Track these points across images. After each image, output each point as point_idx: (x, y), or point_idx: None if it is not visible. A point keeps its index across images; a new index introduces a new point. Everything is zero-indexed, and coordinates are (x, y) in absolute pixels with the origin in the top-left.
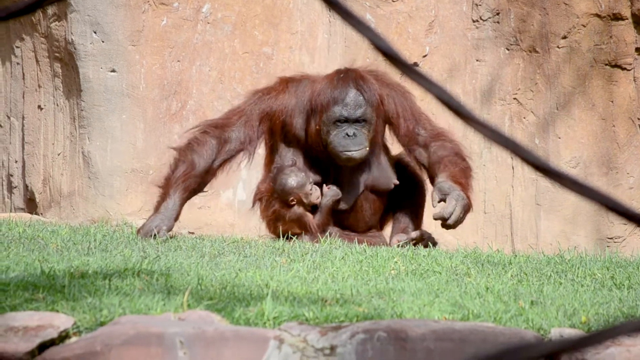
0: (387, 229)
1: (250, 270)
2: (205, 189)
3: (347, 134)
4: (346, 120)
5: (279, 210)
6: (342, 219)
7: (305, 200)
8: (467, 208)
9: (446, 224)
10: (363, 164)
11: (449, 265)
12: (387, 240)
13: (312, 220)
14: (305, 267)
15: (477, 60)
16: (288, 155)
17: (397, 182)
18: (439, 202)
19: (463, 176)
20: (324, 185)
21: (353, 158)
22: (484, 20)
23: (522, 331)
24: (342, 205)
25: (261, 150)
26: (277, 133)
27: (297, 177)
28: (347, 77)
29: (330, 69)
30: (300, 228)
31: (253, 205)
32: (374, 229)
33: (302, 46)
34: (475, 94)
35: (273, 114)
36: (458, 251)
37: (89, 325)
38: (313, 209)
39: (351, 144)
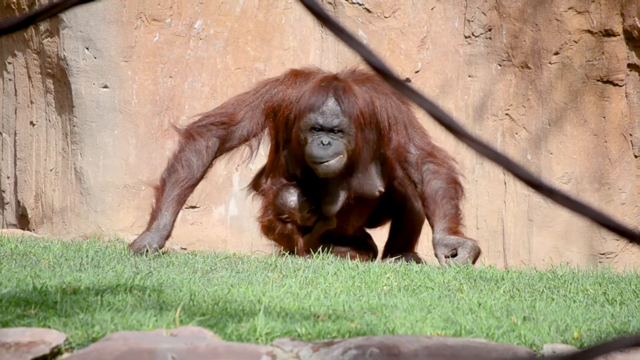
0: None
1: (243, 286)
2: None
3: (322, 142)
4: (321, 129)
5: (273, 221)
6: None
7: (299, 222)
8: (478, 255)
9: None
10: (349, 171)
11: (441, 281)
12: (373, 248)
13: (300, 241)
14: (297, 283)
15: (469, 76)
16: (288, 163)
17: (383, 190)
18: (448, 256)
19: (457, 219)
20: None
21: (327, 172)
22: (476, 37)
23: (514, 347)
24: (329, 211)
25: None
26: (281, 129)
27: (298, 199)
28: (329, 85)
29: None
30: (286, 246)
31: (250, 193)
32: (361, 228)
33: (294, 62)
34: (468, 109)
35: (278, 108)
36: (450, 267)
37: (81, 342)
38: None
39: (325, 153)
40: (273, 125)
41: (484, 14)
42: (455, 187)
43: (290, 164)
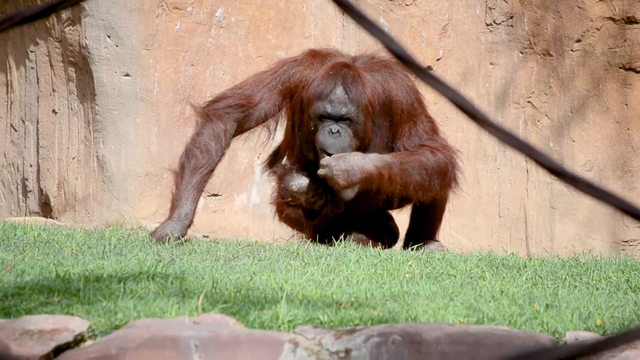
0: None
1: (265, 273)
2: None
3: (331, 131)
4: (330, 117)
5: (282, 203)
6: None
7: (305, 205)
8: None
9: None
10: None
11: (463, 268)
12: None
13: (309, 224)
14: (319, 271)
15: (490, 64)
16: (302, 145)
17: None
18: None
19: (399, 169)
20: (326, 197)
21: None
22: (497, 24)
23: (537, 334)
24: (345, 195)
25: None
26: (297, 110)
27: (301, 183)
28: (338, 73)
29: None
30: (296, 229)
31: (265, 171)
32: (381, 210)
33: None
34: (489, 97)
35: (295, 89)
36: (473, 254)
37: (104, 329)
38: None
39: (334, 143)
40: (289, 106)
41: (506, 2)
42: (438, 169)
43: (304, 146)
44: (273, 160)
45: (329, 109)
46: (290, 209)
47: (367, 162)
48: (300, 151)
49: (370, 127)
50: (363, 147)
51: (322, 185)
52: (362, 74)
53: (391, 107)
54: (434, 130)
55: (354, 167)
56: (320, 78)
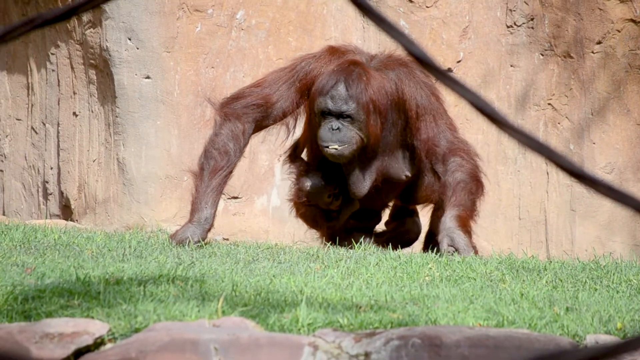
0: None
1: (285, 276)
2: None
3: (331, 127)
4: (330, 114)
5: (297, 202)
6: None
7: (321, 206)
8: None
9: None
10: (372, 155)
11: (483, 271)
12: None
13: (325, 224)
14: (339, 274)
15: (511, 66)
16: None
17: (409, 175)
18: (448, 246)
19: (471, 213)
20: (342, 198)
21: (333, 155)
22: (518, 26)
23: (557, 338)
24: (356, 193)
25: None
26: (314, 107)
27: (316, 183)
28: (343, 70)
29: None
30: (311, 227)
31: (285, 164)
32: (403, 208)
33: None
34: (510, 99)
35: (312, 85)
36: (493, 257)
37: (124, 332)
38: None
39: (333, 138)
40: (307, 102)
41: (526, 4)
42: (476, 185)
43: (316, 143)
44: (293, 154)
45: (329, 104)
46: (306, 208)
47: (463, 237)
48: (316, 148)
49: (376, 126)
50: (370, 146)
51: (337, 186)
52: (369, 71)
53: (405, 105)
54: (453, 128)
55: (467, 247)
56: (326, 74)
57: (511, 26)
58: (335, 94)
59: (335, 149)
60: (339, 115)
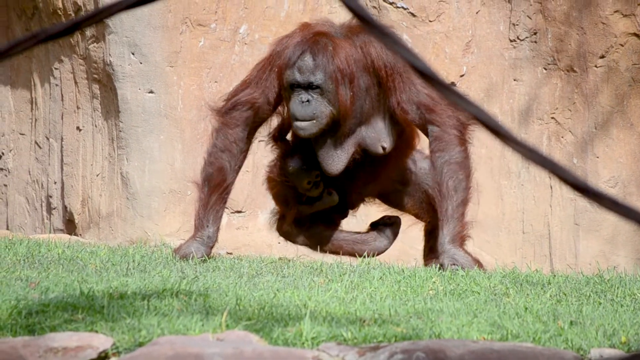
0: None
1: (289, 290)
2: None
3: (301, 100)
4: (299, 86)
5: (276, 180)
6: (342, 186)
7: (299, 190)
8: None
9: None
10: (346, 126)
11: (487, 285)
12: (382, 240)
13: (295, 207)
14: (343, 287)
15: (514, 80)
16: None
17: (386, 147)
18: (451, 265)
19: (465, 224)
20: (323, 186)
21: (306, 133)
22: (521, 40)
23: (561, 351)
24: (330, 170)
25: None
26: (282, 82)
27: (296, 167)
28: (308, 41)
29: None
30: (279, 206)
31: (269, 143)
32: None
33: None
34: (513, 113)
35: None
36: (496, 271)
37: (128, 346)
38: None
39: (302, 110)
40: (277, 78)
41: (529, 18)
42: (464, 170)
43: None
44: (277, 134)
45: (297, 76)
46: (281, 186)
47: (464, 255)
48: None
49: (346, 95)
50: (341, 118)
51: (320, 174)
52: (335, 40)
53: (374, 67)
54: (421, 87)
55: (471, 263)
56: (292, 46)
57: (514, 40)
58: (302, 65)
59: (304, 127)
60: (308, 87)
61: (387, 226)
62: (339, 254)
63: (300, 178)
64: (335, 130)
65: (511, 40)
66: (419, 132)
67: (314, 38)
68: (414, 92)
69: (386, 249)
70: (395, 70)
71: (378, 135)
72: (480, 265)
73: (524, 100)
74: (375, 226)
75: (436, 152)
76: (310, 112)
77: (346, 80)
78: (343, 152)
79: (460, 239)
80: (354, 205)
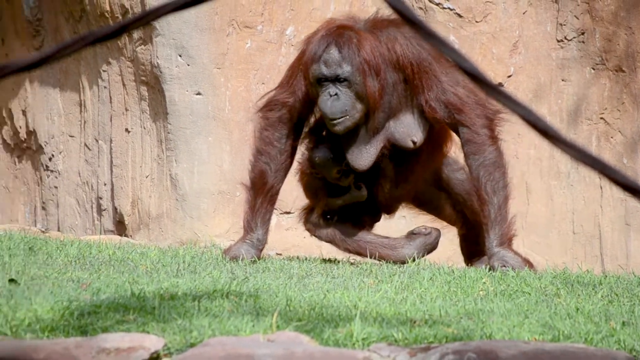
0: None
1: (339, 291)
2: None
3: (329, 94)
4: (326, 79)
5: (305, 172)
6: (373, 183)
7: (329, 180)
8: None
9: None
10: (379, 124)
11: (538, 285)
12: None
13: (323, 200)
14: (393, 288)
15: (562, 80)
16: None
17: (416, 141)
18: (501, 267)
19: (511, 224)
20: (353, 177)
21: (339, 129)
22: (568, 40)
23: (613, 352)
24: (358, 165)
25: None
26: (309, 77)
27: (324, 157)
28: (332, 34)
29: None
30: (309, 198)
31: (305, 135)
32: (407, 204)
33: None
34: (562, 114)
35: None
36: (547, 272)
37: (179, 347)
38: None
39: (332, 106)
40: (303, 74)
41: (577, 18)
42: (500, 170)
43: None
44: (311, 129)
45: (324, 70)
46: (311, 178)
47: (514, 257)
48: (312, 115)
49: (376, 87)
50: (371, 111)
51: (348, 164)
52: (360, 33)
53: (400, 64)
54: (457, 82)
55: (521, 264)
56: (316, 40)
57: (562, 40)
58: (328, 58)
59: (337, 121)
60: (335, 80)
61: (419, 235)
62: (363, 255)
63: (329, 167)
64: (364, 124)
65: (559, 41)
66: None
67: (338, 31)
68: (440, 90)
69: (410, 258)
70: (422, 67)
71: (407, 130)
72: (530, 265)
73: (573, 101)
74: (410, 234)
75: (470, 155)
76: (341, 107)
77: (373, 72)
78: (372, 147)
79: (508, 240)
80: (389, 209)
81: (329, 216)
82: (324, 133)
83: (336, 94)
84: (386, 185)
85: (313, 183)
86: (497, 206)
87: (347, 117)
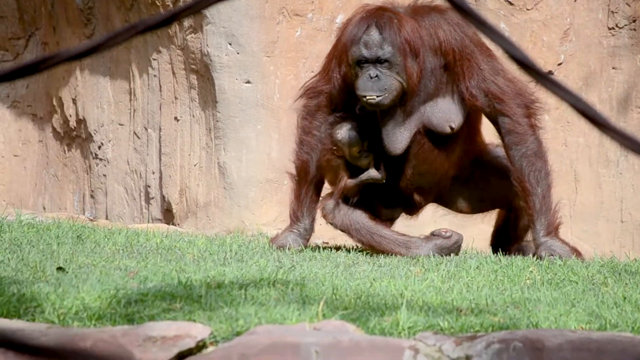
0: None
1: (385, 279)
2: None
3: (369, 76)
4: (367, 61)
5: (327, 151)
6: (395, 171)
7: (348, 159)
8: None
9: None
10: (411, 103)
11: (585, 274)
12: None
13: (344, 179)
14: (439, 277)
15: (613, 68)
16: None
17: (454, 127)
18: (549, 256)
19: (556, 213)
20: (377, 162)
21: (372, 104)
22: (620, 28)
23: None
24: (391, 149)
25: None
26: (347, 59)
27: (348, 135)
28: (371, 15)
29: None
30: (331, 178)
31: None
32: (443, 195)
33: None
34: (612, 102)
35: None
36: (594, 260)
37: (226, 335)
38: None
39: (372, 86)
40: (338, 55)
41: (628, 5)
42: (541, 160)
43: (352, 98)
44: (339, 110)
45: (364, 52)
46: (332, 156)
47: (561, 246)
48: (352, 99)
49: (415, 69)
50: (409, 92)
51: (370, 143)
52: (399, 14)
53: (442, 50)
54: (495, 71)
55: (569, 253)
56: (355, 22)
57: (613, 28)
58: (369, 40)
59: (374, 97)
60: (376, 61)
61: (437, 237)
62: (376, 249)
63: (350, 145)
64: (402, 105)
65: (610, 28)
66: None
67: (378, 12)
68: (481, 78)
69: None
70: (464, 55)
71: (446, 115)
72: (578, 253)
73: (623, 89)
74: (430, 235)
75: (511, 146)
76: (381, 87)
77: (413, 53)
78: (406, 131)
79: (555, 229)
80: (410, 203)
81: (346, 202)
82: (357, 110)
83: (377, 76)
84: (409, 171)
85: (333, 162)
86: (542, 196)
87: (386, 94)
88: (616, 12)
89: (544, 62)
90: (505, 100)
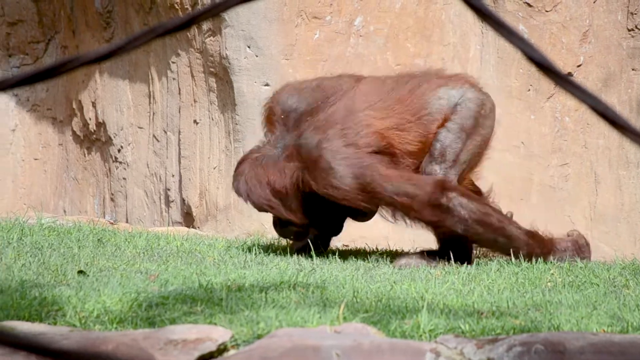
0: None
1: (405, 282)
2: None
3: None
4: None
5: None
6: None
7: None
8: None
9: None
10: None
11: (606, 277)
12: None
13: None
14: (460, 280)
15: (632, 70)
16: None
17: None
18: None
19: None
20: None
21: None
22: (639, 29)
23: None
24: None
25: None
26: None
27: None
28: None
29: (482, 81)
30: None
31: None
32: None
33: (454, 58)
34: (631, 103)
35: None
36: (616, 263)
37: (247, 338)
38: None
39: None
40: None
41: None
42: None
43: None
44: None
45: None
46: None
47: None
48: None
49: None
50: None
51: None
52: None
53: None
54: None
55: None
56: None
57: (632, 29)
58: None
59: None
60: None
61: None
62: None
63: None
64: None
65: (629, 30)
66: None
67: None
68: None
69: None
70: None
71: None
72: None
73: None
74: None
75: None
76: None
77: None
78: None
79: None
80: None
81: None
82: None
83: None
84: None
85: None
86: None
87: None
88: (635, 14)
89: (563, 64)
90: None
